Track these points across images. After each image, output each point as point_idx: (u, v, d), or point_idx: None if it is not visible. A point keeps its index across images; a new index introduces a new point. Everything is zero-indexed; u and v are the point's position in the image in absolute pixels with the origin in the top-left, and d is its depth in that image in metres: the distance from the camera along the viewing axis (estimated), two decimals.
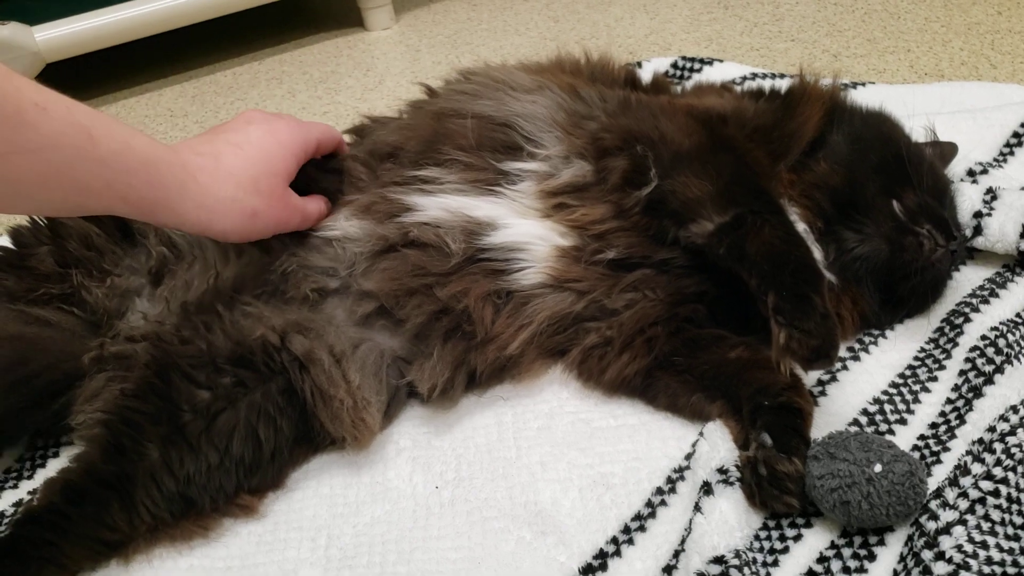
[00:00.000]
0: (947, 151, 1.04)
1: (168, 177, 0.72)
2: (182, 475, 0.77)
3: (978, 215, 0.98)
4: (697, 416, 0.85)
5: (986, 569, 0.66)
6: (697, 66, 1.29)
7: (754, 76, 1.29)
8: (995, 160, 1.11)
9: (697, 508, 0.74)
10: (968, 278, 0.99)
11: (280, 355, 0.82)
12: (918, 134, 1.00)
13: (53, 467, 0.88)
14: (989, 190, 0.99)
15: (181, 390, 0.80)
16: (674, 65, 1.30)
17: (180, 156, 0.74)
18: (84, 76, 1.75)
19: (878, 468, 0.72)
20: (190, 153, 0.76)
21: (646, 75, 1.28)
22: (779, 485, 0.74)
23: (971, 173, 1.07)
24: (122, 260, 0.91)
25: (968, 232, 0.98)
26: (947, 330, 0.91)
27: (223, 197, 0.77)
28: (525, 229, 0.88)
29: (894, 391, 0.87)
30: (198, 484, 0.78)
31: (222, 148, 0.78)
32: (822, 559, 0.73)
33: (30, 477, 0.88)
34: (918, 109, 1.18)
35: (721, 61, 1.31)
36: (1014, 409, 0.79)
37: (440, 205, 0.88)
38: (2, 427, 0.86)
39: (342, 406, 0.82)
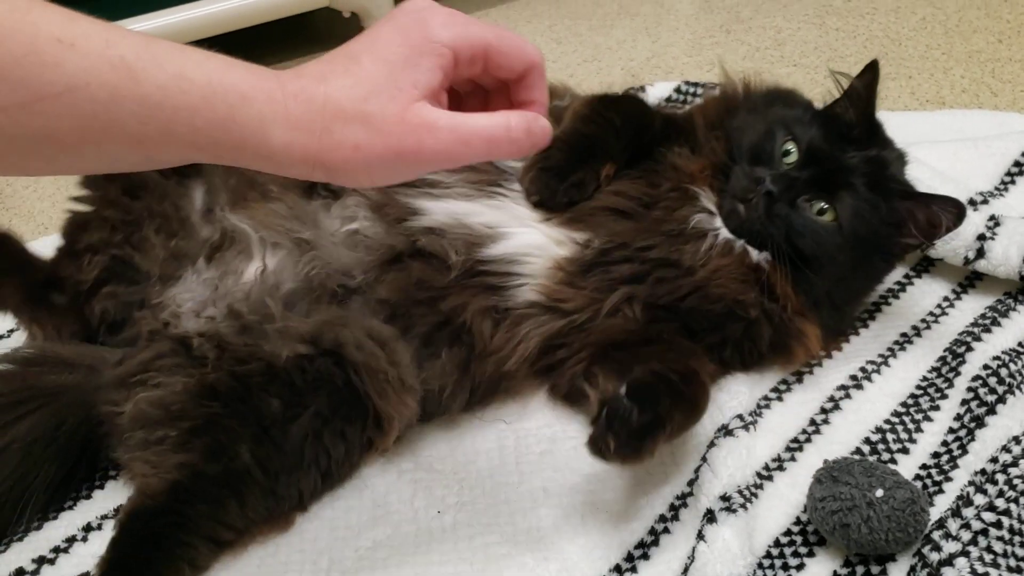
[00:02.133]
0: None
1: (242, 113, 0.56)
2: (272, 471, 0.79)
3: (981, 238, 0.99)
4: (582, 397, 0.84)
5: None
6: (700, 91, 1.30)
7: None
8: (996, 189, 1.11)
9: (700, 536, 0.74)
10: (970, 306, 1.00)
11: (314, 363, 0.83)
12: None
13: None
14: (992, 216, 1.00)
15: (259, 398, 0.81)
16: (677, 90, 1.31)
17: (266, 84, 0.56)
18: None
19: (880, 493, 0.72)
20: (290, 78, 0.57)
21: (650, 99, 1.30)
22: (610, 424, 0.71)
23: (972, 202, 1.07)
24: (186, 222, 0.93)
25: (971, 255, 0.99)
26: (949, 359, 0.91)
27: (317, 130, 0.57)
28: (524, 239, 0.88)
29: (896, 420, 0.87)
30: (283, 481, 0.80)
31: (332, 66, 0.58)
32: None
33: (88, 497, 0.87)
34: (919, 137, 1.19)
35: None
36: (1016, 440, 0.79)
37: (445, 210, 0.89)
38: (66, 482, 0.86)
39: (387, 378, 0.83)
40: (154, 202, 0.93)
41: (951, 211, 0.87)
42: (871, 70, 0.95)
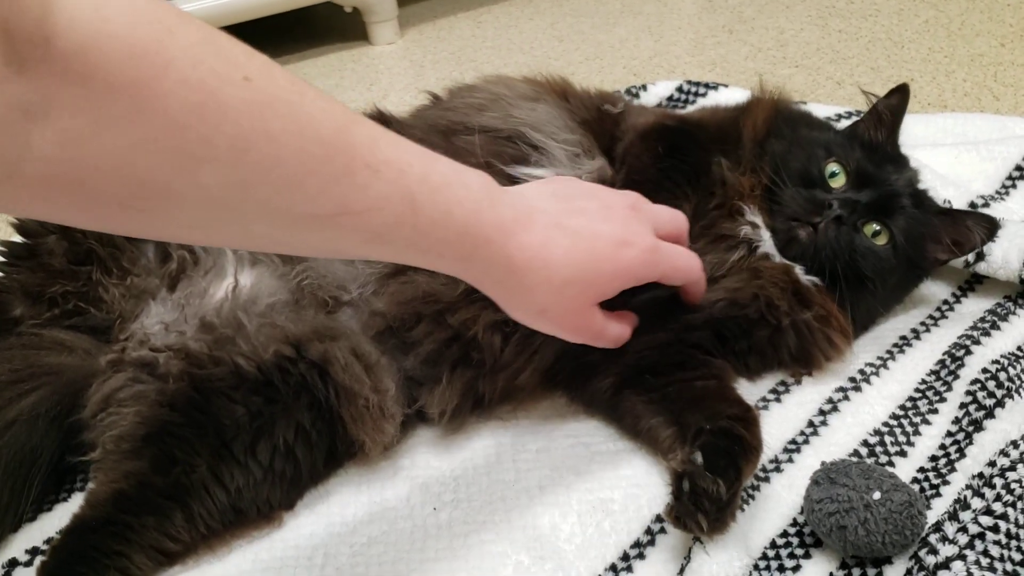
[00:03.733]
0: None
1: (477, 255, 0.67)
2: (232, 488, 0.78)
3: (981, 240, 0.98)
4: (653, 443, 0.84)
5: None
6: (702, 91, 1.30)
7: None
8: (997, 193, 1.11)
9: (696, 537, 0.74)
10: (969, 309, 1.00)
11: (297, 366, 0.82)
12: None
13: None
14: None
15: (220, 407, 0.79)
16: (679, 89, 1.31)
17: (503, 233, 0.67)
18: None
19: (877, 495, 0.72)
20: (520, 231, 0.68)
21: (651, 99, 1.30)
22: (697, 502, 0.71)
23: (973, 206, 1.07)
24: (139, 260, 0.90)
25: (971, 257, 0.99)
26: (948, 362, 0.91)
27: (523, 285, 0.70)
28: None
29: (894, 423, 0.87)
30: (247, 497, 0.79)
31: (558, 236, 0.70)
32: None
33: (82, 489, 0.86)
34: (921, 140, 1.19)
35: (726, 86, 1.31)
36: (1014, 444, 0.79)
37: None
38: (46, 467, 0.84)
39: (367, 404, 0.82)
40: (95, 244, 0.89)
41: (984, 226, 0.93)
42: (900, 92, 0.99)
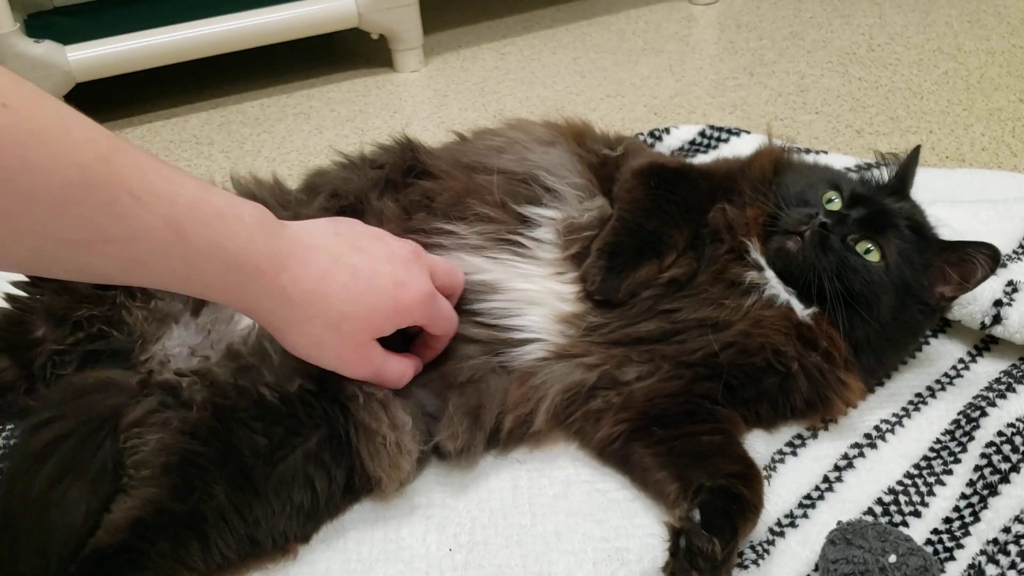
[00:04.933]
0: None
1: (249, 285, 0.69)
2: (251, 518, 0.78)
3: (998, 303, 0.99)
4: (660, 496, 0.84)
5: None
6: (724, 136, 1.31)
7: None
8: (1014, 252, 1.12)
9: None
10: (985, 370, 1.00)
11: (320, 401, 0.83)
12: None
13: None
14: (1010, 282, 1.01)
15: (242, 437, 0.80)
16: (702, 134, 1.32)
17: (277, 265, 0.70)
18: (112, 97, 1.77)
19: (893, 559, 0.72)
20: (297, 265, 0.71)
21: (674, 142, 1.31)
22: (692, 560, 0.73)
23: None
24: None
25: (988, 320, 0.99)
26: (963, 423, 0.92)
27: (296, 317, 0.73)
28: (523, 294, 0.90)
29: (909, 482, 0.87)
30: (265, 528, 0.79)
31: (337, 271, 0.74)
32: None
33: None
34: (939, 194, 1.20)
35: (748, 132, 1.33)
36: None
37: (454, 261, 0.91)
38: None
39: (384, 442, 0.83)
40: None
41: (985, 254, 0.91)
42: (913, 151, 1.04)
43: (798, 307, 0.90)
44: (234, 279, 0.68)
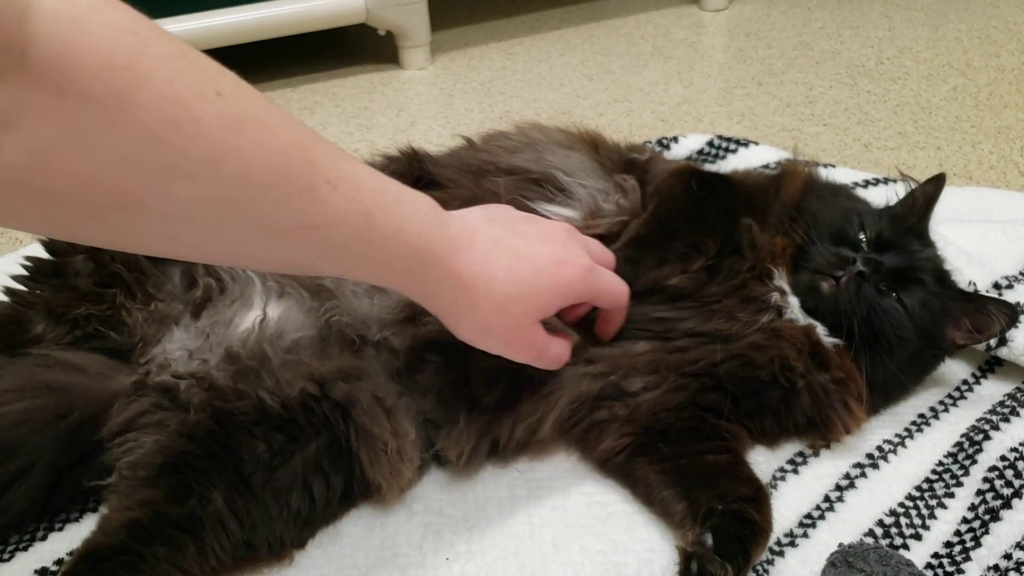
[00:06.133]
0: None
1: (427, 271, 0.69)
2: (247, 523, 0.78)
3: None
4: (665, 514, 0.84)
5: None
6: (733, 147, 1.30)
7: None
8: (1020, 274, 1.11)
9: None
10: (989, 391, 1.00)
11: (321, 405, 0.82)
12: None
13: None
14: (1017, 304, 1.00)
15: (241, 441, 0.79)
16: (710, 144, 1.31)
17: (450, 250, 0.70)
18: None
19: None
20: (466, 249, 0.71)
21: (683, 151, 1.30)
22: None
23: (997, 286, 1.07)
24: (164, 285, 0.90)
25: (993, 342, 0.99)
26: (966, 445, 0.91)
27: (468, 301, 0.72)
28: None
29: (911, 504, 0.87)
30: (261, 533, 0.78)
31: (499, 255, 0.73)
32: None
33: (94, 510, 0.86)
34: (948, 213, 1.19)
35: (757, 144, 1.32)
36: None
37: None
38: (59, 486, 0.83)
39: (385, 448, 0.83)
40: (120, 268, 0.89)
41: (1005, 314, 0.93)
42: (936, 182, 1.03)
43: (822, 331, 0.90)
44: (413, 263, 0.68)
